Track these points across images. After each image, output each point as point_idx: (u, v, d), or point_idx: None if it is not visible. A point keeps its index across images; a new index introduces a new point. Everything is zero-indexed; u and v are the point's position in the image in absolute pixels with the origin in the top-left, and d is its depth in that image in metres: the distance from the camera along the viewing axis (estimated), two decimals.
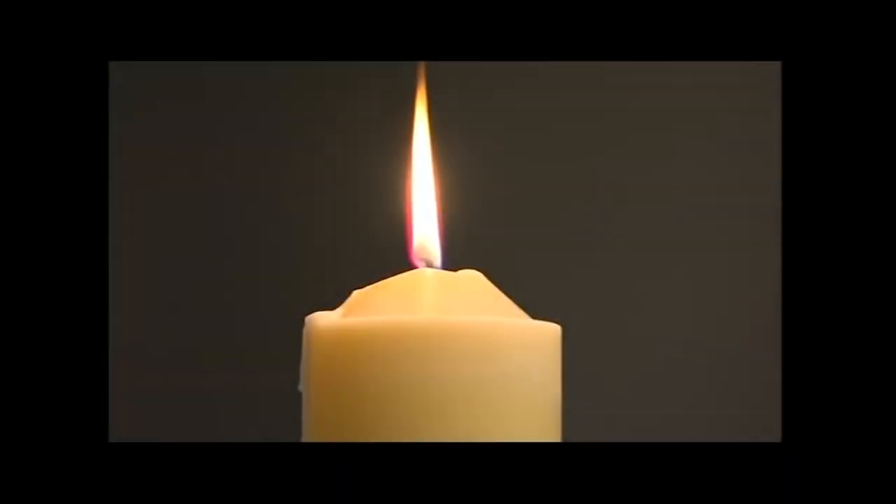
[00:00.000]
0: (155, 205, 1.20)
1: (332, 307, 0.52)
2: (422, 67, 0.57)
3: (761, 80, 1.10)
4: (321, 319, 0.52)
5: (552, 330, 0.53)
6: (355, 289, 0.53)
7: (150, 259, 1.20)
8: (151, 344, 1.19)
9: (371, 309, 0.52)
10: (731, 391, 1.15)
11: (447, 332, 0.50)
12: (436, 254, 0.55)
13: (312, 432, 0.51)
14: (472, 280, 0.53)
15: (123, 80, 0.93)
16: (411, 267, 0.54)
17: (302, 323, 0.52)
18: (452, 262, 0.54)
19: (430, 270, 0.54)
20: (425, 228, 0.55)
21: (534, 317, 0.53)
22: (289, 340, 0.54)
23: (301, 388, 0.52)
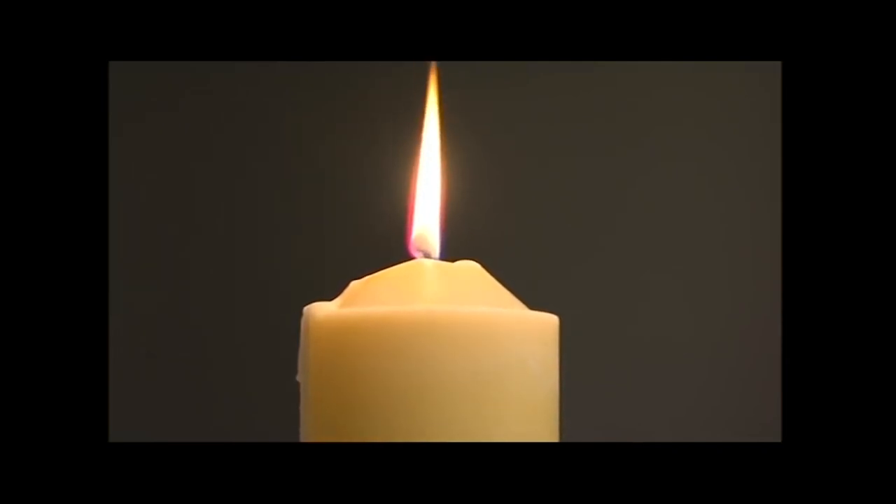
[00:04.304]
0: (154, 202, 1.20)
1: (331, 298, 0.52)
2: (433, 67, 0.57)
3: (761, 80, 1.10)
4: (319, 310, 0.52)
5: (550, 321, 0.53)
6: (353, 279, 0.53)
7: (150, 255, 1.20)
8: (151, 338, 1.19)
9: (369, 299, 0.52)
10: (731, 391, 1.15)
11: (445, 322, 0.50)
12: (434, 244, 0.55)
13: (311, 422, 0.51)
14: (470, 271, 0.53)
15: (123, 80, 0.93)
16: (409, 258, 0.54)
17: (300, 313, 0.52)
18: (451, 252, 0.54)
19: (428, 261, 0.54)
20: (425, 219, 0.55)
21: (532, 308, 0.53)
22: (287, 331, 0.54)
23: (299, 378, 0.52)
